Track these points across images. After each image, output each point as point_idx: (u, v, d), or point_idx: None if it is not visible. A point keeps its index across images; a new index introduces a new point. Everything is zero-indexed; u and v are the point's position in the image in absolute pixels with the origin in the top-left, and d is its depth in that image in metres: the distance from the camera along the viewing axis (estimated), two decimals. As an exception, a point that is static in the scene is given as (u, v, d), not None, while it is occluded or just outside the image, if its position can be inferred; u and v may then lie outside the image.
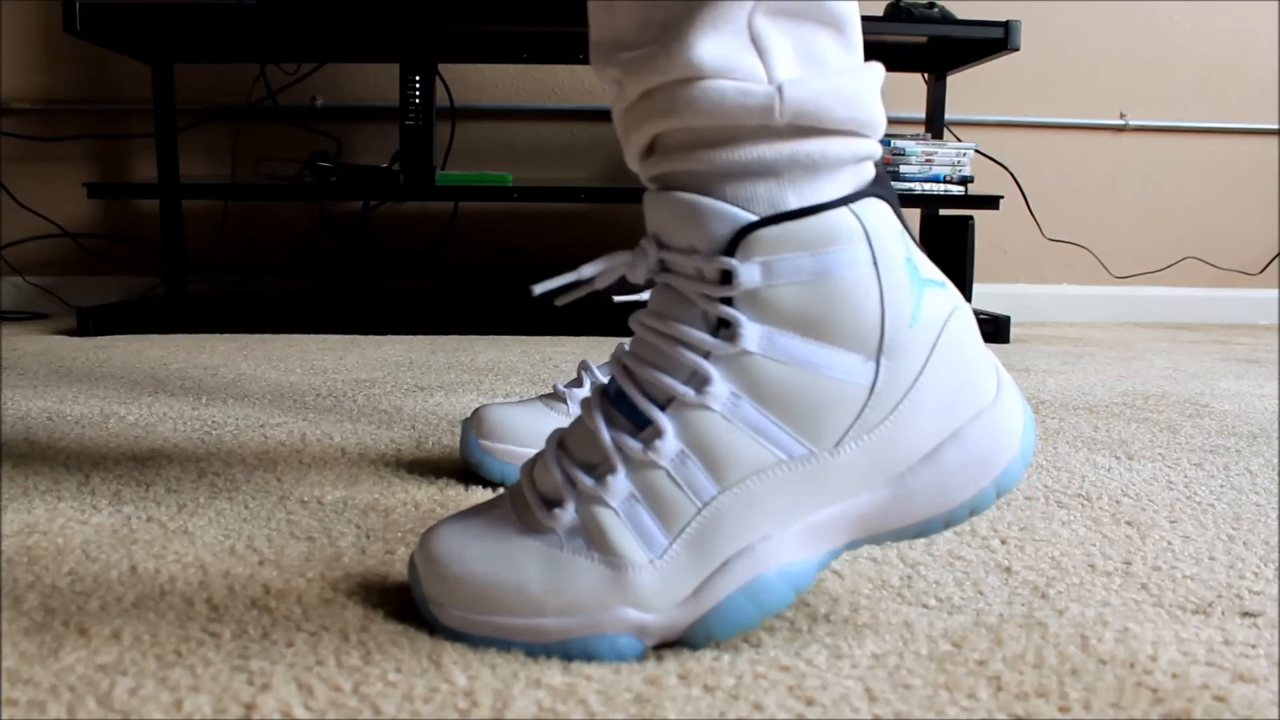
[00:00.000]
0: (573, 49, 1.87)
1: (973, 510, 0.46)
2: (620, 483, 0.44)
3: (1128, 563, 0.57)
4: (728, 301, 0.43)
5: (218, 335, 1.61)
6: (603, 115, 2.10)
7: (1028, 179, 2.13)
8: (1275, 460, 0.85)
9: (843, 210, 0.43)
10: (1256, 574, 0.56)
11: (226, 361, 1.33)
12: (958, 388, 0.45)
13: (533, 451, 0.71)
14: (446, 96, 1.98)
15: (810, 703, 0.39)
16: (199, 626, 0.46)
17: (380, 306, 1.75)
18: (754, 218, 0.43)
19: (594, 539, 0.44)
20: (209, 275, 2.03)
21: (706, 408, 0.44)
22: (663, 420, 0.44)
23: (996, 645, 0.45)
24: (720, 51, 0.42)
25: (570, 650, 0.43)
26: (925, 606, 0.50)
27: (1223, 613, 0.50)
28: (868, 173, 0.45)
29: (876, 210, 0.44)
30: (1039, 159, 2.20)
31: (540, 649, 0.44)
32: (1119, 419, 1.02)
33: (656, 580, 0.43)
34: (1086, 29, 2.18)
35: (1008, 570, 0.56)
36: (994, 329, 1.73)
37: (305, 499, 0.67)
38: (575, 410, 0.73)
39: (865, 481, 0.44)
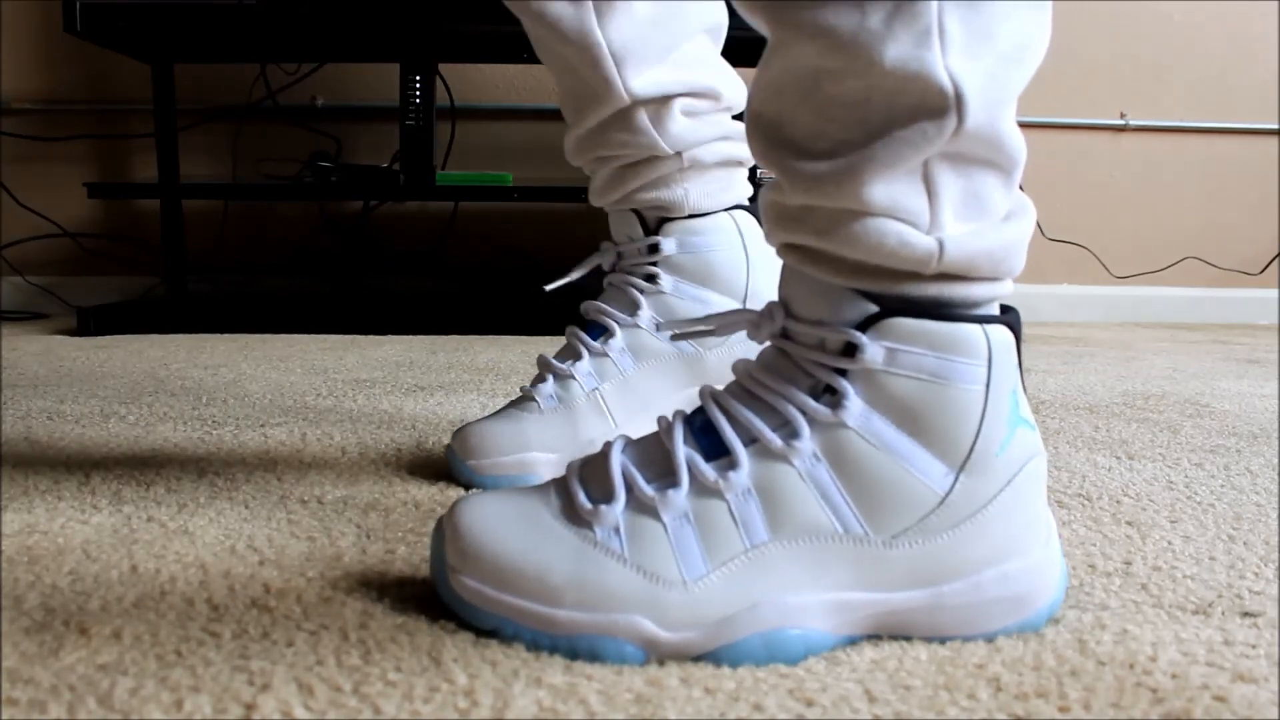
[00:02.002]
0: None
1: (989, 640, 0.47)
2: (680, 500, 0.45)
3: (1128, 563, 0.57)
4: (841, 373, 0.45)
5: (218, 335, 1.61)
6: (603, 115, 2.10)
7: (1028, 179, 2.10)
8: (1275, 460, 0.85)
9: (975, 327, 0.45)
10: (1256, 574, 0.56)
11: (226, 361, 1.33)
12: (1019, 527, 0.47)
13: (515, 458, 0.71)
14: (446, 96, 1.98)
15: (810, 704, 0.40)
16: (199, 626, 0.46)
17: (380, 306, 1.75)
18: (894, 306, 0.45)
19: (634, 544, 0.44)
20: (209, 275, 2.03)
21: (786, 460, 0.45)
22: (742, 455, 0.45)
23: (995, 647, 0.45)
24: (891, 194, 0.43)
25: (576, 646, 0.43)
26: (925, 607, 0.50)
27: (1223, 613, 0.50)
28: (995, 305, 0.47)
29: (1003, 337, 0.46)
30: (1039, 159, 2.19)
31: (547, 640, 0.44)
32: (1119, 419, 1.02)
33: (684, 601, 0.43)
34: (1086, 29, 2.18)
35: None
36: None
37: (305, 499, 0.67)
38: (547, 405, 0.72)
39: (907, 581, 0.45)
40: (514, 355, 1.41)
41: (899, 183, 0.43)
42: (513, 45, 1.87)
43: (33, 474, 0.73)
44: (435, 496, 0.69)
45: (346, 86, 2.06)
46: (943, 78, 0.40)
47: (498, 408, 0.79)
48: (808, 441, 0.45)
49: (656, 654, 0.44)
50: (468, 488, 0.71)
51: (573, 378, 0.73)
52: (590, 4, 0.67)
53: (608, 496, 0.46)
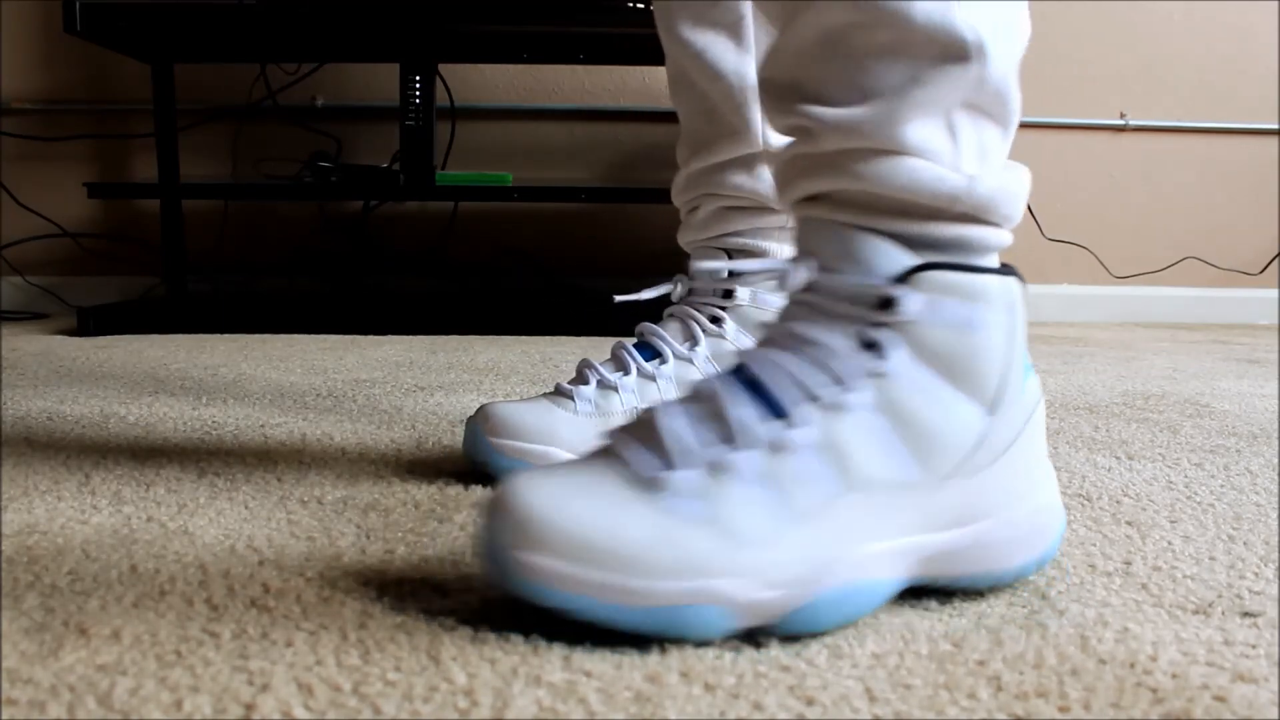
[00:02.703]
0: (573, 49, 1.87)
1: (1018, 576, 0.51)
2: (753, 460, 0.45)
3: (1128, 563, 0.57)
4: (878, 326, 0.47)
5: (218, 335, 1.61)
6: (603, 115, 2.10)
7: (1028, 179, 2.12)
8: (1275, 460, 0.85)
9: (998, 278, 0.48)
10: (1256, 574, 0.56)
11: (226, 361, 1.33)
12: (1036, 463, 0.52)
13: (542, 448, 0.71)
14: (446, 96, 1.98)
15: (810, 702, 0.40)
16: (199, 626, 0.46)
17: (380, 306, 1.75)
18: (924, 259, 0.47)
19: (710, 507, 0.44)
20: (209, 275, 2.03)
21: (846, 413, 0.46)
22: (805, 412, 0.46)
23: (996, 645, 0.45)
24: (923, 135, 0.46)
25: (656, 618, 0.42)
26: (926, 609, 0.50)
27: (1223, 613, 0.50)
28: (996, 258, 0.51)
29: (1017, 288, 0.49)
30: (1039, 159, 2.19)
31: (624, 615, 0.42)
32: (1119, 419, 1.02)
33: (767, 561, 0.44)
34: (1086, 29, 2.18)
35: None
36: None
37: (305, 499, 0.67)
38: (583, 408, 0.73)
39: (953, 520, 0.48)
40: (514, 355, 1.41)
41: (929, 125, 0.46)
42: (513, 45, 1.88)
43: (33, 474, 0.73)
44: (435, 496, 0.69)
45: (346, 86, 2.06)
46: (965, 29, 0.44)
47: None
48: (863, 394, 0.46)
49: (741, 619, 0.43)
50: (468, 470, 0.71)
51: (616, 390, 0.74)
52: (751, 49, 0.70)
53: (678, 462, 0.45)
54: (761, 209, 0.76)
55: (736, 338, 0.76)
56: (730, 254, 0.77)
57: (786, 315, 0.49)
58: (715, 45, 0.73)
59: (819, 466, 0.45)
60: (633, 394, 0.74)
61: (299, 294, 1.99)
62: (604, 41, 1.80)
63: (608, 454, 0.47)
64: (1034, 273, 2.21)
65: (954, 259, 0.48)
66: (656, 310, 0.82)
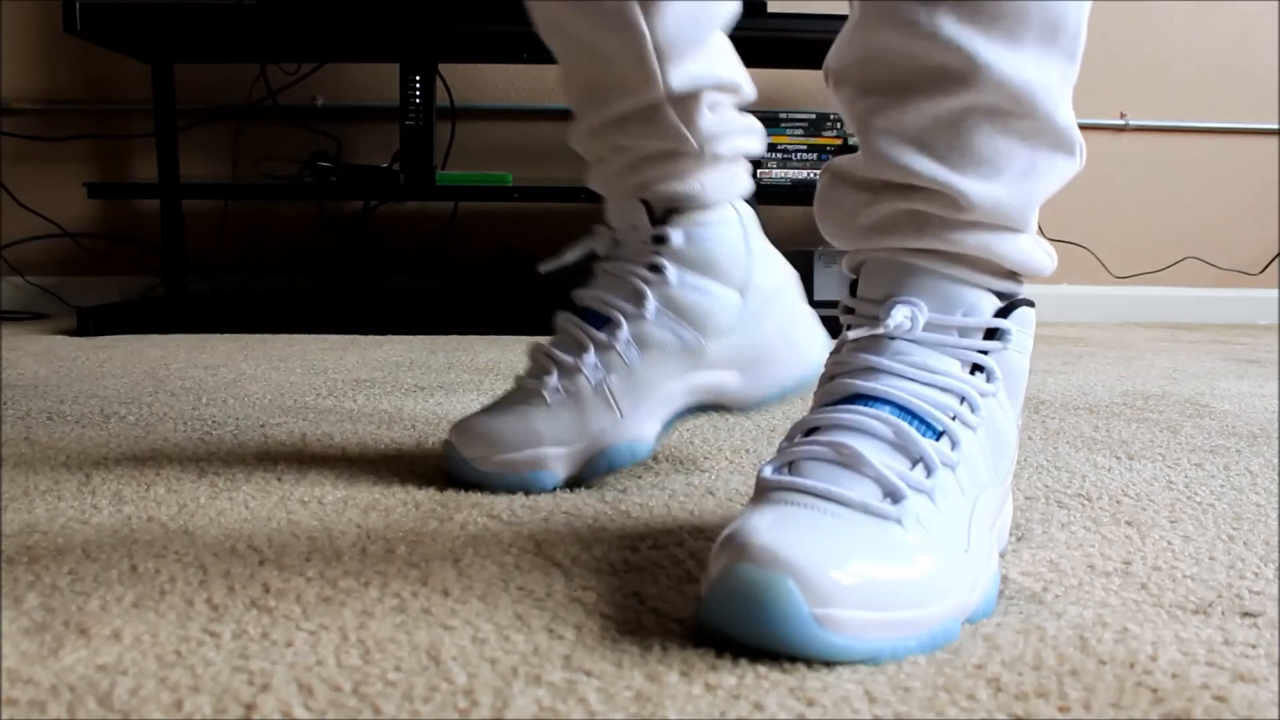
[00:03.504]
0: (573, 49, 1.87)
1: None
2: (946, 480, 0.49)
3: (1127, 563, 0.57)
4: (984, 354, 0.53)
5: (218, 335, 1.61)
6: (603, 115, 2.10)
7: (1028, 179, 2.12)
8: (1275, 460, 0.85)
9: (1033, 309, 0.56)
10: (1256, 574, 0.56)
11: (226, 361, 1.33)
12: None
13: (529, 454, 0.70)
14: (446, 96, 1.98)
15: (811, 703, 0.40)
16: (199, 626, 0.46)
17: (380, 306, 1.75)
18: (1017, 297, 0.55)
19: (933, 529, 0.47)
20: (209, 275, 2.03)
21: (976, 428, 0.52)
22: (956, 433, 0.51)
23: (995, 647, 0.45)
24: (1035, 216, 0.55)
25: (935, 638, 0.44)
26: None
27: (1223, 613, 0.50)
28: None
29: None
30: (1039, 159, 2.19)
31: (911, 646, 0.44)
32: (1119, 419, 1.02)
33: (975, 570, 0.48)
34: (1087, 29, 2.17)
35: (1005, 573, 0.56)
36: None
37: (305, 499, 0.67)
38: (554, 399, 0.72)
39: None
40: (514, 355, 1.41)
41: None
42: (513, 45, 1.87)
43: (33, 474, 0.73)
44: (435, 496, 0.69)
45: (346, 86, 2.06)
46: (1075, 130, 0.53)
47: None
48: (981, 414, 0.51)
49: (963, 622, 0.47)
50: (469, 486, 0.71)
51: (580, 371, 0.72)
52: None
53: (899, 494, 0.47)
54: (674, 152, 0.72)
55: (680, 281, 0.73)
56: (648, 202, 0.73)
57: (910, 353, 0.52)
58: None
59: (962, 478, 0.50)
60: (597, 369, 0.72)
61: (299, 294, 1.99)
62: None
63: (806, 491, 0.47)
64: (1034, 273, 2.21)
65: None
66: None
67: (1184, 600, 0.52)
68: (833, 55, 0.54)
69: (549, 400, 0.72)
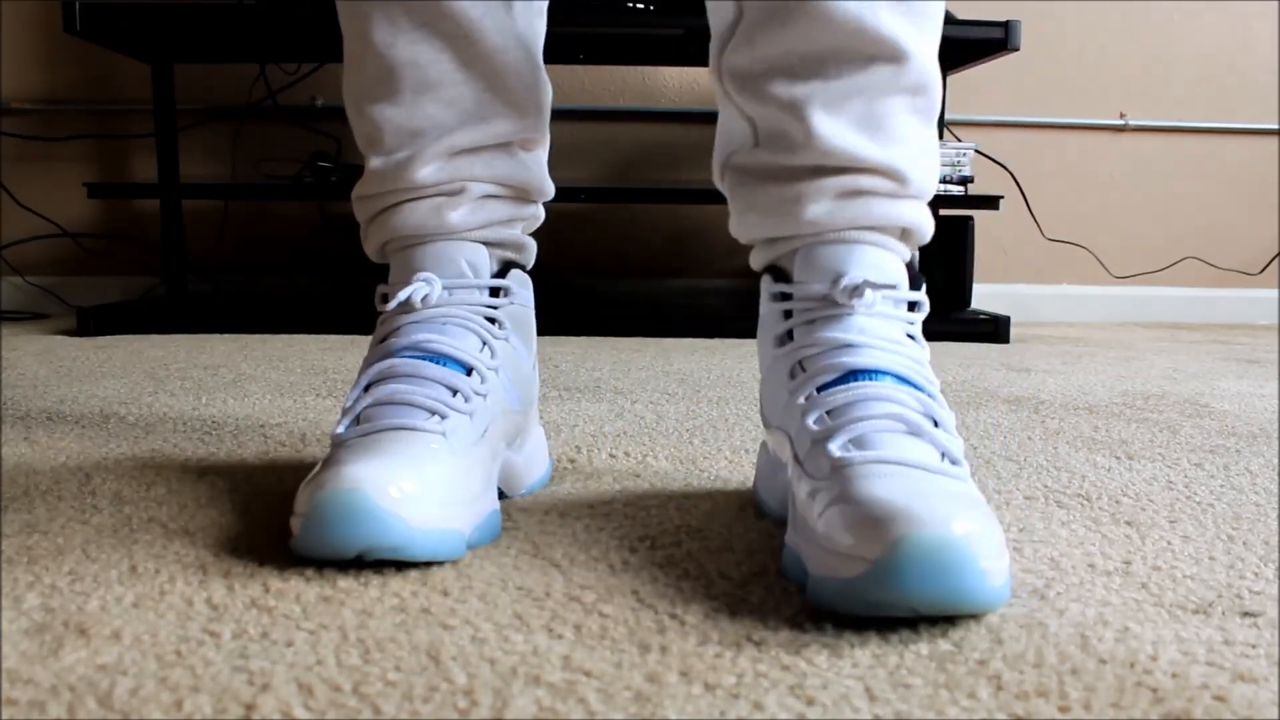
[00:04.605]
0: (573, 49, 1.87)
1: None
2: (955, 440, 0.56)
3: (1128, 563, 0.57)
4: (911, 324, 0.59)
5: (218, 335, 1.61)
6: (603, 115, 2.10)
7: (1028, 179, 2.12)
8: (1275, 460, 0.85)
9: None
10: (1256, 574, 0.56)
11: (226, 361, 1.33)
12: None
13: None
14: (446, 96, 1.98)
15: (811, 702, 0.40)
16: (199, 626, 0.46)
17: (380, 306, 1.75)
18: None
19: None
20: (209, 275, 2.03)
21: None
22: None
23: (996, 645, 0.45)
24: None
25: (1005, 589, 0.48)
26: (925, 606, 0.49)
27: (1223, 613, 0.50)
28: None
29: None
30: (1039, 159, 2.19)
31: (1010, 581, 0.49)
32: (1119, 419, 1.02)
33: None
34: (1086, 29, 2.18)
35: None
36: (994, 329, 1.73)
37: (305, 499, 0.67)
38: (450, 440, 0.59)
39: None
40: (514, 355, 1.41)
41: None
42: (513, 45, 1.87)
43: (33, 474, 0.73)
44: (435, 496, 0.69)
45: (346, 86, 2.06)
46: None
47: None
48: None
49: None
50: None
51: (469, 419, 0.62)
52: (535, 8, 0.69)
53: (953, 456, 0.53)
54: (520, 198, 0.71)
55: (513, 340, 0.70)
56: (489, 246, 0.69)
57: (859, 328, 0.56)
58: (494, 12, 0.64)
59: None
60: (470, 417, 0.61)
61: (299, 294, 1.99)
62: (604, 41, 1.80)
63: (901, 464, 0.51)
64: (1034, 273, 2.21)
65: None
66: None
67: (1184, 600, 0.52)
68: (739, 55, 0.58)
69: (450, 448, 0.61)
